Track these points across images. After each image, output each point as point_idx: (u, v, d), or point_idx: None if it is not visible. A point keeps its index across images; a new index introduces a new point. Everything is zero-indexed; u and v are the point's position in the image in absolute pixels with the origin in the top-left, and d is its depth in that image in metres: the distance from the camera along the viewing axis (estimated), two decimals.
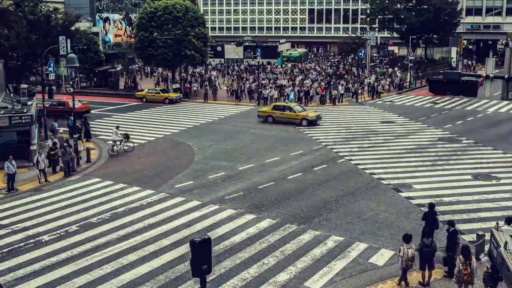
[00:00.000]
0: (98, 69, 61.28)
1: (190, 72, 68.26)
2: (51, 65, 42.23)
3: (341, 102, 50.58)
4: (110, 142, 32.32)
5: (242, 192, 24.13)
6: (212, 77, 63.22)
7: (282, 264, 17.11)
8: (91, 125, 38.12)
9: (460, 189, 24.15)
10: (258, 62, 58.62)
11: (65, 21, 42.09)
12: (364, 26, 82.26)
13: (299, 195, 23.67)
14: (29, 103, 31.91)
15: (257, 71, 59.70)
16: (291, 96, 49.38)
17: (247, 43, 77.90)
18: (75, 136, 31.15)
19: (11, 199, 23.81)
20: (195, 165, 29.06)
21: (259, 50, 57.45)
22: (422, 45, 76.24)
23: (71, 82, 48.94)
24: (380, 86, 55.35)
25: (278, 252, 17.96)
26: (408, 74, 61.58)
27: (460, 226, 19.70)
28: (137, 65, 71.06)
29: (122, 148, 32.05)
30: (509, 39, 75.27)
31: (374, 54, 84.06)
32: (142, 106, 49.47)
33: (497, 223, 14.92)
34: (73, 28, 43.29)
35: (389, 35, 75.70)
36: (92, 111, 44.54)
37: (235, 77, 64.13)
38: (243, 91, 53.32)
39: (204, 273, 11.59)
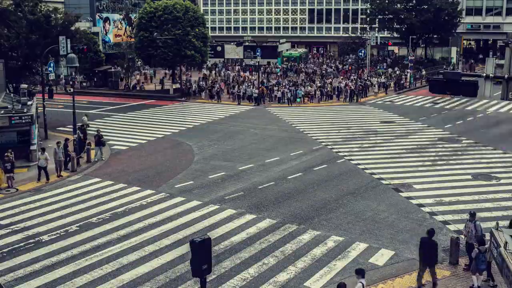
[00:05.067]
0: (98, 69, 61.27)
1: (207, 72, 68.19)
2: (51, 65, 42.20)
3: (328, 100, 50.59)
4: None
5: (242, 192, 24.13)
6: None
7: (282, 264, 17.12)
8: (91, 125, 38.15)
9: (460, 189, 24.15)
10: (258, 62, 58.61)
11: (65, 21, 42.05)
12: (364, 26, 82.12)
13: (299, 195, 23.67)
14: (29, 103, 31.90)
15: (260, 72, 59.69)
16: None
17: (247, 43, 77.84)
18: (75, 136, 31.17)
19: (11, 199, 23.81)
20: (195, 165, 29.05)
21: (259, 50, 57.45)
22: (422, 45, 76.18)
23: (71, 82, 49.09)
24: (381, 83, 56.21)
25: (278, 252, 17.97)
26: (408, 74, 61.55)
27: (460, 226, 19.71)
28: (143, 68, 71.08)
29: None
30: (509, 39, 75.14)
31: (375, 54, 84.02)
32: (142, 106, 49.47)
33: (497, 223, 14.93)
34: (73, 28, 43.24)
35: (389, 35, 75.65)
36: (92, 111, 44.56)
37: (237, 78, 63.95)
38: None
39: (204, 273, 11.59)
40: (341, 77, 60.95)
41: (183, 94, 54.38)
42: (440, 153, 30.85)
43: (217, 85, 54.59)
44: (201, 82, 58.03)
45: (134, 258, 17.60)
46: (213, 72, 71.10)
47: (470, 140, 34.22)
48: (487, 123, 40.14)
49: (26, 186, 25.61)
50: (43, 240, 19.10)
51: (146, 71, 70.61)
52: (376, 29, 77.34)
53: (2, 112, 29.30)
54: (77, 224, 20.61)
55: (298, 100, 49.90)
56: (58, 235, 19.61)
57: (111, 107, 49.13)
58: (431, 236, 15.64)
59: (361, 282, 13.28)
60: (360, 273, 13.58)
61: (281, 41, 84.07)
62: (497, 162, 28.92)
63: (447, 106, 47.73)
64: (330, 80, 58.15)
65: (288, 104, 49.17)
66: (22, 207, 22.76)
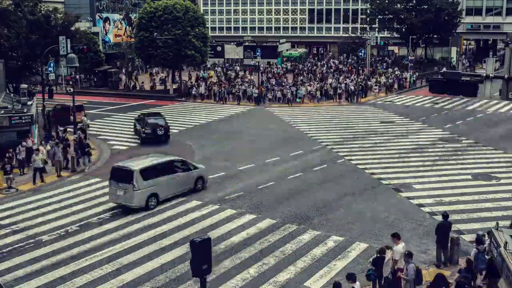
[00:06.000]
0: (98, 69, 61.26)
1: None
2: (51, 65, 42.23)
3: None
4: None
5: (242, 192, 24.13)
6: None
7: (282, 264, 17.12)
8: (91, 125, 38.17)
9: (460, 189, 24.15)
10: (258, 62, 58.56)
11: (65, 21, 42.08)
12: (364, 26, 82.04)
13: (299, 195, 23.66)
14: (29, 103, 31.90)
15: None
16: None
17: (247, 43, 77.82)
18: (75, 136, 31.19)
19: (11, 199, 23.80)
20: None
21: (259, 50, 57.39)
22: (422, 45, 76.16)
23: (70, 82, 49.09)
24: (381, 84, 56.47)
25: (278, 252, 17.96)
26: (408, 74, 61.55)
27: (460, 226, 19.74)
28: (137, 66, 71.08)
29: None
30: (509, 39, 75.10)
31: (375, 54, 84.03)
32: (142, 106, 49.43)
33: (497, 223, 14.92)
34: (73, 28, 43.24)
35: (389, 35, 75.62)
36: (92, 111, 44.51)
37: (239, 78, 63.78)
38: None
39: (204, 273, 11.58)
40: (342, 77, 60.96)
41: (182, 94, 54.31)
42: (440, 153, 30.85)
43: (216, 86, 54.36)
44: (199, 83, 57.92)
45: (134, 258, 17.60)
46: (212, 72, 71.01)
47: (470, 140, 34.21)
48: (487, 123, 40.14)
49: (26, 186, 25.61)
50: (43, 240, 19.11)
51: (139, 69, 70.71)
52: (376, 29, 77.28)
53: (2, 112, 29.30)
54: (77, 224, 20.62)
55: (298, 100, 49.89)
56: (58, 235, 19.62)
57: (111, 107, 49.12)
58: (446, 219, 16.80)
59: (353, 286, 13.24)
60: (351, 278, 13.41)
61: (281, 41, 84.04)
62: (497, 162, 28.91)
63: (447, 106, 47.72)
64: (330, 80, 58.17)
65: (288, 104, 49.19)
66: (22, 207, 22.77)
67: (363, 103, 50.68)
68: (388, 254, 15.04)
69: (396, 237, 15.35)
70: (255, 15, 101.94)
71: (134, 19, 68.65)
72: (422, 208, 21.87)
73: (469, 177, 26.12)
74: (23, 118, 28.93)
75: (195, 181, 24.17)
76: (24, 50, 39.64)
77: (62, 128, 33.36)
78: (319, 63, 78.08)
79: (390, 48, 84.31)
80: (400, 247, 14.95)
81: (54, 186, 25.73)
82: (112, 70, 61.63)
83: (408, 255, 14.29)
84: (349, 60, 78.01)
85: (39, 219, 21.20)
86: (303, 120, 41.57)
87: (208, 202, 22.88)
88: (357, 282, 13.43)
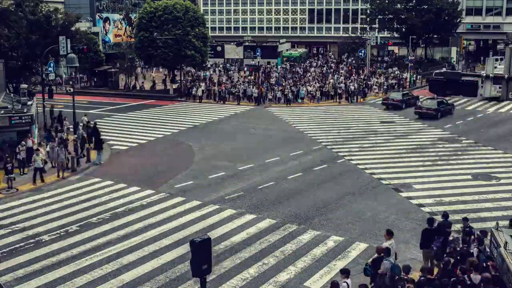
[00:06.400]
0: (98, 69, 61.24)
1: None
2: (51, 65, 42.22)
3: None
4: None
5: (242, 192, 24.13)
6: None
7: (282, 264, 17.12)
8: (90, 125, 38.07)
9: (460, 189, 24.16)
10: (258, 62, 58.54)
11: (65, 22, 42.07)
12: (364, 26, 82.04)
13: (299, 195, 23.67)
14: (29, 103, 31.90)
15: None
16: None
17: (247, 43, 77.83)
18: (75, 136, 31.20)
19: (11, 199, 23.80)
20: (195, 165, 29.05)
21: (259, 50, 57.36)
22: (422, 45, 76.17)
23: (70, 82, 49.10)
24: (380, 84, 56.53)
25: (278, 252, 17.97)
26: (408, 74, 61.54)
27: (459, 226, 19.71)
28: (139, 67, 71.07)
29: None
30: (509, 39, 75.00)
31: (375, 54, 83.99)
32: (142, 106, 49.45)
33: (497, 223, 14.92)
34: (73, 28, 43.24)
35: (389, 35, 75.64)
36: (92, 111, 44.50)
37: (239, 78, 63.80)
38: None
39: (204, 273, 11.58)
40: (342, 77, 60.97)
41: (182, 94, 54.30)
42: (440, 153, 30.86)
43: (215, 86, 54.33)
44: (200, 83, 57.91)
45: (134, 258, 17.61)
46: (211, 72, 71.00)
47: (470, 140, 34.22)
48: (487, 123, 40.14)
49: (26, 186, 25.61)
50: (43, 240, 19.11)
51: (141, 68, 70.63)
52: (376, 29, 77.29)
53: (2, 112, 29.30)
54: (77, 224, 20.62)
55: (299, 101, 49.86)
56: (58, 235, 19.62)
57: (111, 107, 49.10)
58: (446, 218, 16.82)
59: (345, 282, 13.21)
60: (345, 272, 13.45)
61: (281, 41, 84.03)
62: (497, 162, 28.93)
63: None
64: (332, 80, 58.16)
65: (288, 104, 49.19)
66: (22, 207, 22.77)
67: (363, 103, 50.69)
68: None
69: (387, 233, 15.30)
70: (255, 15, 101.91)
71: (134, 19, 68.68)
72: (422, 208, 21.88)
73: (469, 177, 26.14)
74: (23, 118, 28.93)
75: None
76: (24, 50, 39.62)
77: (61, 128, 33.34)
78: (314, 64, 78.01)
79: (390, 48, 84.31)
80: (386, 244, 14.87)
81: (54, 186, 25.72)
82: (112, 70, 61.59)
83: (386, 251, 14.29)
84: (349, 60, 77.97)
85: (39, 219, 21.20)
86: (303, 120, 41.58)
87: (208, 202, 22.89)
88: (349, 280, 13.39)
